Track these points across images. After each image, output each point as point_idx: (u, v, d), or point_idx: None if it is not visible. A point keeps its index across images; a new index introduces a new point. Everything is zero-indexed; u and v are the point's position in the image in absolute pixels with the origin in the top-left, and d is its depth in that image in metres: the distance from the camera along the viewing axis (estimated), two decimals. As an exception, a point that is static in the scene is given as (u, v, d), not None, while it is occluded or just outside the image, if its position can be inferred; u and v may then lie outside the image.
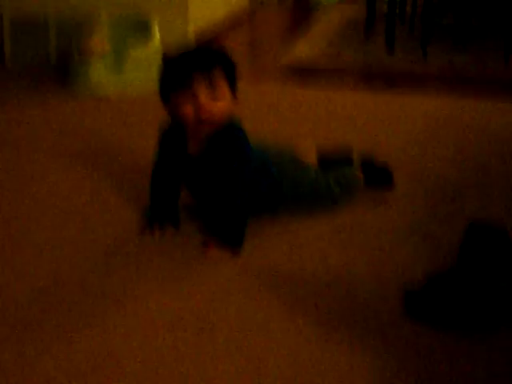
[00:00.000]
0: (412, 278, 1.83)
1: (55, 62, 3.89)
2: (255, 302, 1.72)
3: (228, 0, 5.49)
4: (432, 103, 3.45)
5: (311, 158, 2.35)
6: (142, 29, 3.70)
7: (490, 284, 1.62)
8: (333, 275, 1.86)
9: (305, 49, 4.77)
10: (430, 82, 3.93)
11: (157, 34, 3.61)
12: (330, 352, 1.54)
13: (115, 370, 1.46)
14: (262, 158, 2.12)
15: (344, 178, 2.29)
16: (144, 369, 1.47)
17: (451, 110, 3.34)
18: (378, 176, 2.40)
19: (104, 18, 3.79)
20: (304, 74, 4.15)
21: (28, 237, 2.04)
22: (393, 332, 1.62)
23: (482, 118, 3.22)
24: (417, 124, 3.11)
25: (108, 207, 2.24)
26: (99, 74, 3.50)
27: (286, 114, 3.22)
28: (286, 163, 2.25)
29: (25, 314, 1.67)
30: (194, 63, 1.99)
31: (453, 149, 2.80)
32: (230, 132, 2.01)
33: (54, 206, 2.24)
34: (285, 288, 1.79)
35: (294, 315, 1.67)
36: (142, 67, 3.53)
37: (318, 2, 7.11)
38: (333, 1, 7.14)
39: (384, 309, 1.70)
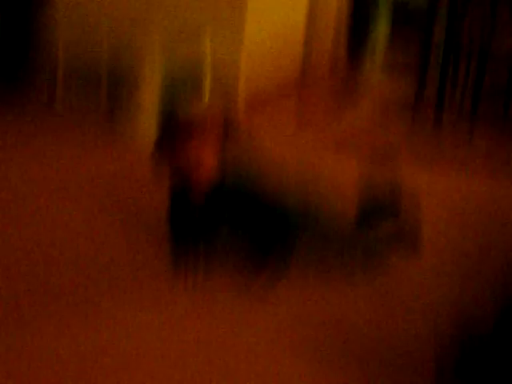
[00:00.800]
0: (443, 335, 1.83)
1: (104, 110, 3.97)
2: (286, 353, 1.73)
3: (278, 68, 5.58)
4: (474, 184, 3.48)
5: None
6: (192, 85, 3.77)
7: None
8: (361, 328, 1.87)
9: (352, 120, 4.83)
10: (474, 164, 3.97)
11: (205, 93, 3.67)
12: None
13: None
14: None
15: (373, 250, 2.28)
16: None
17: (492, 192, 3.37)
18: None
19: (156, 68, 3.88)
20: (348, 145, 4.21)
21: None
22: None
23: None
24: (456, 202, 3.14)
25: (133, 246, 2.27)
26: (145, 125, 3.55)
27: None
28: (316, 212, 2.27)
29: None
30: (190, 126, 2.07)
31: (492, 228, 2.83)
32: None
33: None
34: (318, 340, 1.81)
35: (333, 368, 1.68)
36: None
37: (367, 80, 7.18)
38: (380, 77, 7.19)
39: (413, 366, 1.72)
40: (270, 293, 2.01)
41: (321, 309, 1.95)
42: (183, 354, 1.71)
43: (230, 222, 2.04)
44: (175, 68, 3.85)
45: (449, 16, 4.63)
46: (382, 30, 7.33)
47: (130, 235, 2.23)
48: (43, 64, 4.06)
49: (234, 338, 1.80)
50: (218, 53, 3.79)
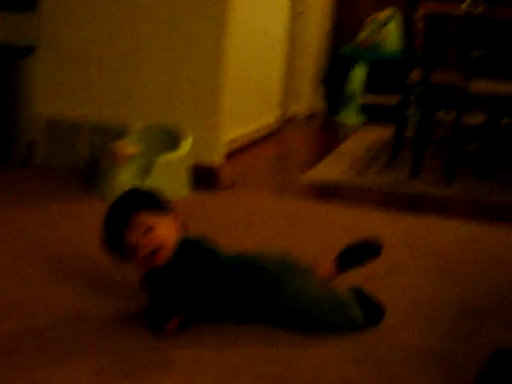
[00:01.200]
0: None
1: (85, 164, 3.98)
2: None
3: (258, 113, 5.65)
4: (454, 227, 3.52)
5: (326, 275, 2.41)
6: (172, 137, 3.81)
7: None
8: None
9: (330, 165, 4.90)
10: (453, 206, 4.02)
11: (185, 143, 3.71)
12: None
13: None
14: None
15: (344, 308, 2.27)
16: None
17: (474, 234, 3.41)
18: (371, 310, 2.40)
19: (136, 126, 3.92)
20: (328, 191, 4.24)
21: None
22: None
23: (506, 244, 3.29)
24: (438, 246, 3.17)
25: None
26: (126, 177, 3.56)
27: (306, 228, 3.29)
28: (285, 273, 2.26)
29: None
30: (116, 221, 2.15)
31: (475, 272, 2.85)
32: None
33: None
34: None
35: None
36: (168, 174, 3.62)
37: (346, 121, 7.30)
38: (360, 120, 7.32)
39: None
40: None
41: (305, 373, 1.91)
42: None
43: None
44: (155, 121, 3.89)
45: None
46: (358, 76, 7.43)
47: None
48: (22, 121, 4.07)
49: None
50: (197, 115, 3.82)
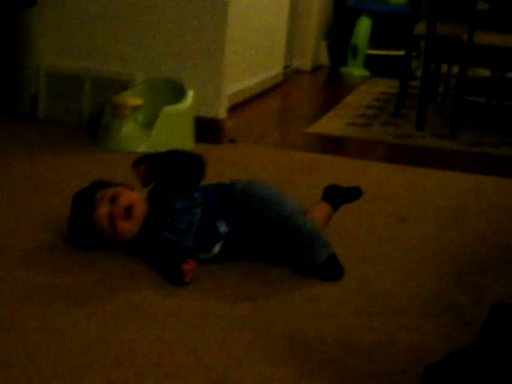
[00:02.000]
0: (434, 348, 1.83)
1: (88, 116, 3.97)
2: (272, 364, 1.71)
3: (262, 66, 5.61)
4: (459, 179, 3.51)
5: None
6: (175, 89, 3.78)
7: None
8: (351, 340, 1.85)
9: (334, 118, 4.88)
10: (458, 159, 4.01)
11: (190, 94, 3.68)
12: None
13: None
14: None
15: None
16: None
17: (479, 186, 3.40)
18: (346, 195, 2.56)
19: (139, 78, 3.89)
20: (331, 143, 4.23)
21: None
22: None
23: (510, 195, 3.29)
24: (443, 198, 3.16)
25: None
26: (129, 129, 3.55)
27: (308, 179, 3.29)
28: (256, 187, 2.34)
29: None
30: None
31: (480, 224, 2.85)
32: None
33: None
34: (301, 351, 1.78)
35: (311, 378, 1.66)
36: (173, 125, 3.60)
37: (351, 74, 7.26)
38: (364, 74, 7.28)
39: (402, 378, 1.69)
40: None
41: (306, 322, 1.90)
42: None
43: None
44: (158, 73, 3.85)
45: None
46: (363, 29, 7.38)
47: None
48: (26, 73, 4.05)
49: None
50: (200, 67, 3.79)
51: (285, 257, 2.22)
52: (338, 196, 2.51)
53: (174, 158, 2.27)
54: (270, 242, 2.19)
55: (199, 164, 2.29)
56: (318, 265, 2.15)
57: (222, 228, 2.18)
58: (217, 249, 2.17)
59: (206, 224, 2.16)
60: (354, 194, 2.55)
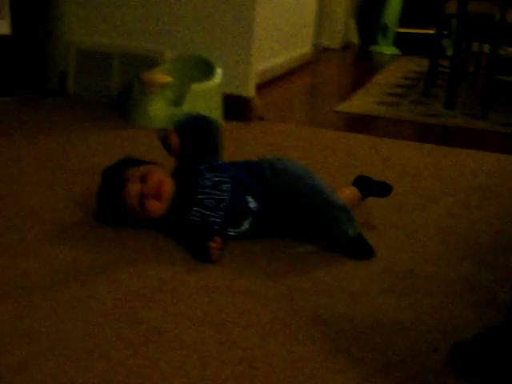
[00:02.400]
0: (461, 328, 1.83)
1: (116, 93, 3.98)
2: (299, 343, 1.71)
3: (292, 44, 5.59)
4: (489, 158, 3.49)
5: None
6: (204, 66, 3.78)
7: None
8: (378, 320, 1.84)
9: (363, 97, 4.85)
10: (489, 139, 3.98)
11: (218, 71, 3.68)
12: None
13: None
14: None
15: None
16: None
17: (509, 166, 3.37)
18: (376, 188, 2.57)
19: (168, 55, 3.89)
20: (361, 121, 4.21)
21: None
22: (438, 382, 1.60)
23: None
24: (472, 178, 3.14)
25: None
26: (158, 106, 3.55)
27: (338, 158, 3.28)
28: (284, 163, 2.34)
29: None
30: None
31: (508, 205, 2.83)
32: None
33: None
34: (328, 329, 1.78)
35: (338, 356, 1.66)
36: (202, 102, 3.60)
37: (381, 52, 7.22)
38: (394, 52, 7.23)
39: (429, 358, 1.67)
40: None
41: (333, 300, 1.89)
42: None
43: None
44: (187, 50, 3.85)
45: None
46: (393, 7, 7.32)
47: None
48: (55, 50, 4.06)
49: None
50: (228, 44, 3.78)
51: (313, 234, 2.22)
52: (368, 187, 2.51)
53: (196, 121, 2.32)
54: (299, 218, 2.19)
55: (215, 124, 2.36)
56: (348, 239, 2.14)
57: (251, 204, 2.17)
58: (246, 225, 2.18)
59: (235, 200, 2.16)
60: (383, 189, 2.55)
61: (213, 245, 2.01)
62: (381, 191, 2.55)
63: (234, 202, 2.16)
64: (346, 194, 2.38)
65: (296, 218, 2.19)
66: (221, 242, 2.03)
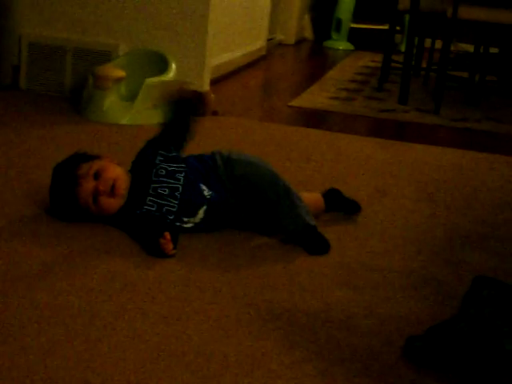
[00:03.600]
0: (415, 321, 1.85)
1: (70, 88, 3.94)
2: (254, 337, 1.71)
3: (246, 39, 5.59)
4: (442, 153, 3.53)
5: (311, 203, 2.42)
6: (158, 61, 3.77)
7: (492, 335, 1.67)
8: (333, 313, 1.85)
9: (317, 92, 4.87)
10: (441, 134, 4.02)
11: (173, 65, 3.67)
12: None
13: None
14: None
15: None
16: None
17: (460, 161, 3.41)
18: (343, 205, 2.51)
19: (122, 50, 3.87)
20: (315, 116, 4.23)
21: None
22: (392, 374, 1.61)
23: (492, 169, 3.30)
24: (425, 173, 3.17)
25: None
26: (112, 100, 3.53)
27: (292, 153, 3.29)
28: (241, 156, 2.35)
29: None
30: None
31: (460, 198, 2.86)
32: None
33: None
34: (283, 323, 1.78)
35: (293, 350, 1.66)
36: (156, 97, 3.58)
37: (334, 47, 7.25)
38: (347, 47, 7.27)
39: (383, 350, 1.69)
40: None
41: (287, 294, 1.90)
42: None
43: None
44: (141, 44, 3.83)
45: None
46: (347, 2, 7.36)
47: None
48: (7, 43, 4.01)
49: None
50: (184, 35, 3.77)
51: (270, 224, 2.22)
52: (336, 201, 2.49)
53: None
54: (257, 206, 2.19)
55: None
56: (306, 226, 2.18)
57: (205, 192, 2.18)
58: (200, 214, 2.17)
59: (189, 188, 2.16)
60: (351, 207, 2.53)
61: (162, 241, 2.00)
62: (348, 208, 2.52)
63: (188, 191, 2.16)
64: (305, 197, 2.36)
65: (254, 206, 2.19)
66: (170, 237, 2.01)
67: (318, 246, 2.16)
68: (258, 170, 2.20)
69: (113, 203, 2.14)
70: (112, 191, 2.14)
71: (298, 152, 3.26)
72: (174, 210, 2.13)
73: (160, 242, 2.00)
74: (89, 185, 2.13)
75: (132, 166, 2.24)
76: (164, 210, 2.13)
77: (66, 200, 2.15)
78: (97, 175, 2.13)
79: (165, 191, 2.14)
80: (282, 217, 2.17)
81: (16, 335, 1.57)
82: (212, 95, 3.92)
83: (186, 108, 2.28)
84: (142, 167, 2.20)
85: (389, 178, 2.98)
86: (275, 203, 2.16)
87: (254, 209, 2.20)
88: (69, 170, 2.15)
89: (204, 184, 2.18)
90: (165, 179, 2.16)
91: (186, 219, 2.15)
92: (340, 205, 2.49)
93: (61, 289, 1.80)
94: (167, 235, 2.01)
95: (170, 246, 2.02)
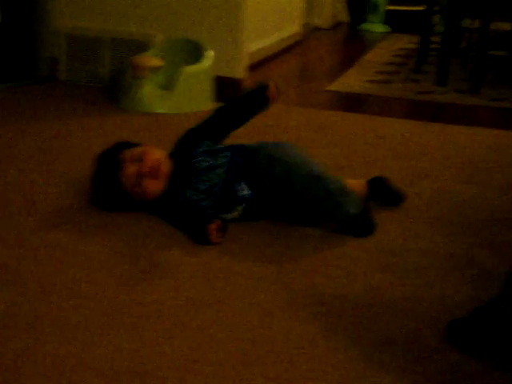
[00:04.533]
0: (457, 304, 1.84)
1: (107, 78, 3.97)
2: (298, 322, 1.72)
3: (282, 24, 5.57)
4: (481, 134, 3.49)
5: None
6: (194, 49, 3.77)
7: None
8: (376, 297, 1.86)
9: (354, 76, 4.84)
10: (480, 114, 3.98)
11: (209, 53, 3.67)
12: (372, 372, 1.54)
13: None
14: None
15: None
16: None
17: (501, 141, 3.37)
18: (386, 195, 2.47)
19: (158, 39, 3.88)
20: (352, 100, 4.21)
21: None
22: (435, 358, 1.60)
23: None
24: (465, 154, 3.15)
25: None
26: (149, 90, 3.54)
27: (331, 137, 3.28)
28: (282, 151, 2.32)
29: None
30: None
31: (502, 179, 2.83)
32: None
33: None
34: (327, 308, 1.79)
35: (337, 335, 1.67)
36: (193, 84, 3.59)
37: (371, 30, 7.20)
38: (384, 30, 7.21)
39: (427, 333, 1.69)
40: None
41: (331, 279, 1.90)
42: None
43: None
44: (178, 33, 3.84)
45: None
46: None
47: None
48: (45, 36, 4.04)
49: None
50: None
51: (310, 219, 2.21)
52: (380, 190, 2.48)
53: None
54: (295, 206, 2.19)
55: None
56: (351, 218, 2.18)
57: (245, 191, 2.18)
58: (239, 211, 2.18)
59: (228, 185, 2.17)
60: (394, 198, 2.50)
61: (213, 226, 2.00)
62: (391, 200, 2.50)
63: (227, 187, 2.16)
64: (349, 183, 2.34)
65: (292, 205, 2.19)
66: (220, 224, 2.02)
67: (363, 229, 2.18)
68: (297, 172, 2.20)
69: (156, 185, 2.16)
70: (155, 173, 2.14)
71: (336, 136, 3.25)
72: (211, 205, 2.14)
73: (209, 228, 2.01)
74: (131, 168, 2.16)
75: (172, 153, 2.25)
76: (202, 203, 2.13)
77: (109, 186, 2.17)
78: (140, 159, 2.14)
79: (205, 185, 2.14)
80: (326, 216, 2.17)
81: (63, 326, 1.59)
82: (249, 82, 3.91)
83: (253, 98, 2.34)
84: (182, 157, 2.21)
85: (429, 161, 2.96)
86: (317, 205, 2.15)
87: (297, 208, 2.19)
88: (112, 156, 2.17)
89: (244, 181, 2.17)
90: (206, 173, 2.15)
91: (224, 215, 2.15)
92: (384, 195, 2.44)
93: (106, 279, 1.81)
94: (218, 222, 2.01)
95: (218, 234, 2.01)
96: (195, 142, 2.22)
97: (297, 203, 2.20)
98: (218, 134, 2.28)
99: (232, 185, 2.17)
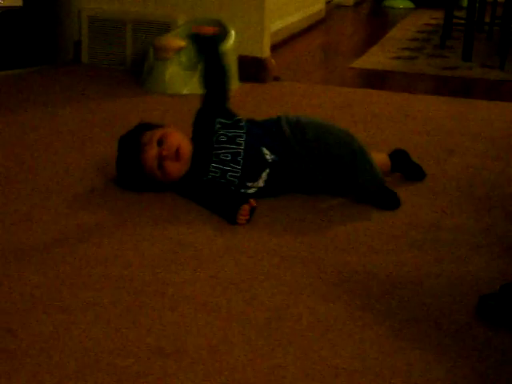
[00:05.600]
0: (487, 279, 1.83)
1: (131, 60, 3.96)
2: (326, 300, 1.72)
3: (305, 2, 5.54)
4: (508, 109, 3.45)
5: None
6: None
7: None
8: (404, 274, 1.85)
9: (379, 52, 4.81)
10: (507, 89, 3.94)
11: (232, 32, 3.66)
12: (401, 349, 1.53)
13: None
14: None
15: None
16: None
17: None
18: (409, 169, 2.48)
19: (181, 19, 3.86)
20: (377, 77, 4.18)
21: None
22: (465, 333, 1.59)
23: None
24: (492, 129, 3.12)
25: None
26: (173, 71, 3.53)
27: (356, 114, 3.26)
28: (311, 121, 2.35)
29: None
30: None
31: None
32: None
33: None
34: (355, 286, 1.78)
35: (365, 312, 1.66)
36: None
37: (394, 7, 7.14)
38: (407, 6, 7.15)
39: (456, 309, 1.68)
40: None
41: (360, 255, 1.91)
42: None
43: None
44: (200, 14, 3.83)
45: None
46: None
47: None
48: (67, 19, 4.05)
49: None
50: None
51: (341, 185, 2.21)
52: (402, 163, 2.47)
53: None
54: (328, 170, 2.18)
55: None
56: (381, 184, 2.21)
57: (267, 155, 2.18)
58: (264, 177, 2.18)
59: (251, 152, 2.18)
60: (416, 172, 2.50)
61: (246, 207, 2.05)
62: (413, 173, 2.49)
63: (250, 155, 2.18)
64: (375, 156, 2.34)
65: (327, 168, 2.18)
66: (254, 203, 2.04)
67: (390, 201, 2.17)
68: (330, 131, 2.25)
69: (178, 167, 2.16)
70: (176, 156, 2.14)
71: (362, 113, 3.23)
72: (238, 174, 2.14)
73: (243, 209, 2.06)
74: (153, 151, 2.16)
75: (192, 135, 2.25)
76: (228, 175, 2.14)
77: (132, 168, 2.17)
78: (160, 142, 2.15)
79: (227, 157, 2.16)
80: (359, 175, 2.19)
81: (90, 306, 1.59)
82: (272, 61, 3.90)
83: (208, 45, 2.37)
84: (202, 136, 2.21)
85: (455, 136, 2.94)
86: (351, 162, 2.17)
87: (326, 170, 2.19)
88: (133, 139, 2.18)
89: (266, 147, 2.17)
90: (226, 145, 2.16)
91: (249, 184, 2.16)
92: (406, 167, 2.43)
93: (132, 259, 1.82)
94: (252, 202, 2.06)
95: (247, 216, 2.04)
96: (211, 121, 2.21)
97: (330, 165, 2.24)
98: (221, 100, 2.29)
99: (256, 149, 2.18)
